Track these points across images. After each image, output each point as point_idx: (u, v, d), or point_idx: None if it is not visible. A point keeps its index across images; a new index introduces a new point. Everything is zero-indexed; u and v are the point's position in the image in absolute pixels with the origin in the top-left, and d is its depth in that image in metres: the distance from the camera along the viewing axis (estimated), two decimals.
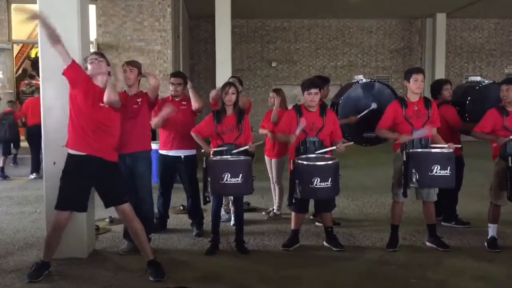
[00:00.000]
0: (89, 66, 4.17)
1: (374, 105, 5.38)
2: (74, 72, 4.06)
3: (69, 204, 4.12)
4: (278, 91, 6.30)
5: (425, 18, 17.43)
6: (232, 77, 6.15)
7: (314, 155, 4.75)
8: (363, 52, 17.98)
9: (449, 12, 16.50)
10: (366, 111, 5.41)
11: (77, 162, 4.08)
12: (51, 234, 4.20)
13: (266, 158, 6.29)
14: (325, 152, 4.85)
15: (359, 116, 5.41)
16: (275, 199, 6.36)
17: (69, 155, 4.13)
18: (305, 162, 4.65)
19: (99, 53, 4.36)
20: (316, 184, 4.54)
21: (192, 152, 5.44)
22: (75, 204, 4.16)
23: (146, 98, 4.78)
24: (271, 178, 6.32)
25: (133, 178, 4.75)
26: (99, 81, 4.18)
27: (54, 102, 4.56)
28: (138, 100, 4.74)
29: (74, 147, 4.09)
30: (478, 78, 6.00)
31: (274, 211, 6.30)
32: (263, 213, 6.42)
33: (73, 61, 4.08)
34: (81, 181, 4.10)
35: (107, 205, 4.30)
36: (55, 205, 4.12)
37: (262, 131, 6.13)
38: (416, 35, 18.02)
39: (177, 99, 5.45)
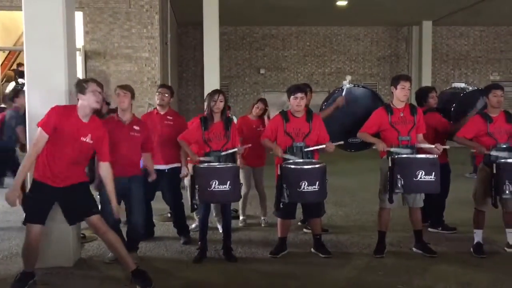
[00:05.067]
0: (94, 97, 3.99)
1: (348, 77, 5.56)
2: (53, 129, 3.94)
3: (37, 217, 4.03)
4: (264, 101, 6.30)
5: (411, 26, 17.63)
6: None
7: (301, 160, 4.77)
8: (350, 59, 18.11)
9: (435, 20, 16.70)
10: (343, 91, 5.55)
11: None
12: (25, 248, 4.10)
13: (246, 167, 6.10)
14: (313, 155, 4.87)
15: (343, 95, 5.51)
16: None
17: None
18: (292, 166, 4.66)
19: (100, 85, 4.13)
20: (303, 188, 4.55)
21: (176, 165, 5.38)
22: (43, 217, 4.06)
23: (145, 129, 4.80)
24: (246, 187, 6.18)
25: (126, 197, 4.71)
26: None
27: (39, 110, 4.51)
28: (136, 128, 4.72)
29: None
30: (462, 85, 6.07)
31: (264, 218, 6.29)
32: (262, 225, 6.30)
33: (40, 130, 3.92)
34: (44, 199, 4.06)
35: (71, 222, 4.25)
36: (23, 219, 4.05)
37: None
38: (403, 42, 18.21)
39: (162, 113, 5.45)
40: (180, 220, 5.61)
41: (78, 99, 4.06)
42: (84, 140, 4.03)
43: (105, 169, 4.18)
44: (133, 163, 4.72)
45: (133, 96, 4.77)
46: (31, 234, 4.02)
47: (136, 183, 4.70)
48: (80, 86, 4.04)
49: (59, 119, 3.95)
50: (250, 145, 5.16)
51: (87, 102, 4.00)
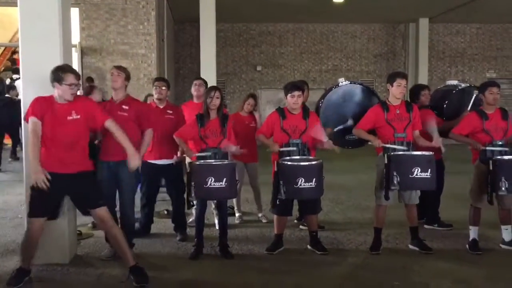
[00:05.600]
0: (70, 90, 3.98)
1: (350, 122, 5.36)
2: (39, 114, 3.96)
3: (41, 211, 4.02)
4: (254, 96, 6.28)
5: (408, 23, 17.61)
6: (198, 78, 6.19)
7: (298, 157, 4.77)
8: (347, 57, 18.10)
9: (431, 17, 16.69)
10: (341, 126, 5.39)
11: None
12: (25, 242, 4.11)
13: (238, 163, 6.13)
14: (309, 152, 4.87)
15: (335, 129, 5.39)
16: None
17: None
18: (289, 163, 4.67)
19: (78, 77, 4.15)
20: (300, 185, 4.55)
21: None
22: (47, 211, 4.07)
23: (135, 107, 4.76)
24: (240, 182, 6.19)
25: (116, 185, 4.69)
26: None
27: None
28: (125, 107, 4.69)
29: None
30: (455, 82, 6.10)
31: (263, 214, 6.28)
32: (264, 221, 6.28)
33: (29, 119, 3.96)
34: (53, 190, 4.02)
35: (84, 212, 4.28)
36: (27, 213, 4.05)
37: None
38: (400, 39, 18.21)
39: (161, 106, 5.43)
40: (180, 216, 5.60)
41: (53, 87, 4.02)
42: (71, 118, 4.01)
43: (109, 127, 4.13)
44: (122, 147, 4.53)
45: (127, 78, 4.78)
46: (32, 228, 4.02)
47: (125, 168, 4.44)
48: (57, 75, 3.98)
49: (42, 106, 3.97)
50: (244, 150, 5.13)
51: (61, 93, 3.99)
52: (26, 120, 4.03)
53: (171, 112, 5.44)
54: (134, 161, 4.15)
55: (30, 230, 4.04)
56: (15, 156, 10.81)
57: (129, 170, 4.24)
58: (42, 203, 4.00)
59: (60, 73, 3.99)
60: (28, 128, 4.02)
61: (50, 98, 4.06)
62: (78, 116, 4.04)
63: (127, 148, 4.14)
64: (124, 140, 4.15)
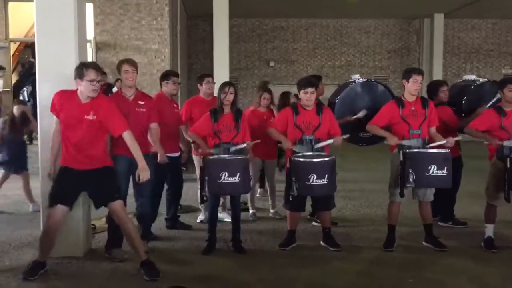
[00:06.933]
0: (91, 86, 4.01)
1: (364, 112, 5.39)
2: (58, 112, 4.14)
3: (59, 198, 4.08)
4: (269, 90, 6.23)
5: (423, 18, 17.45)
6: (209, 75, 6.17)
7: (310, 153, 4.75)
8: (361, 52, 17.99)
9: (446, 13, 16.52)
10: (359, 114, 5.40)
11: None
12: (43, 233, 4.18)
13: (256, 159, 6.00)
14: (322, 148, 4.86)
15: (353, 117, 5.40)
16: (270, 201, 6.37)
17: None
18: (301, 159, 4.65)
19: (100, 72, 4.18)
20: (312, 181, 4.54)
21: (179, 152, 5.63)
22: (67, 199, 4.12)
23: (148, 102, 4.78)
24: (255, 180, 6.14)
25: (135, 178, 4.72)
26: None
27: (50, 101, 4.54)
28: (141, 103, 4.71)
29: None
30: (473, 77, 6.02)
31: (276, 210, 6.28)
32: (276, 217, 6.27)
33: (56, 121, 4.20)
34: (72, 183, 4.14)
35: (97, 206, 4.33)
36: (48, 204, 4.12)
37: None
38: (414, 35, 18.04)
39: (169, 99, 5.50)
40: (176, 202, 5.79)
41: (76, 84, 4.07)
42: (88, 118, 4.04)
43: (126, 138, 4.13)
44: (141, 141, 4.51)
45: (137, 72, 4.75)
46: (51, 218, 4.07)
47: (148, 162, 4.47)
48: (79, 72, 4.02)
49: (61, 102, 4.07)
50: (259, 140, 5.12)
51: (83, 89, 4.03)
52: (51, 110, 4.18)
53: (176, 106, 5.58)
54: (144, 172, 4.17)
55: (48, 221, 4.09)
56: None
57: (138, 180, 4.26)
58: (62, 191, 4.08)
59: (81, 69, 4.03)
60: (53, 125, 4.26)
61: (73, 95, 4.09)
62: (95, 117, 4.06)
63: (139, 161, 4.16)
64: (138, 152, 4.18)
